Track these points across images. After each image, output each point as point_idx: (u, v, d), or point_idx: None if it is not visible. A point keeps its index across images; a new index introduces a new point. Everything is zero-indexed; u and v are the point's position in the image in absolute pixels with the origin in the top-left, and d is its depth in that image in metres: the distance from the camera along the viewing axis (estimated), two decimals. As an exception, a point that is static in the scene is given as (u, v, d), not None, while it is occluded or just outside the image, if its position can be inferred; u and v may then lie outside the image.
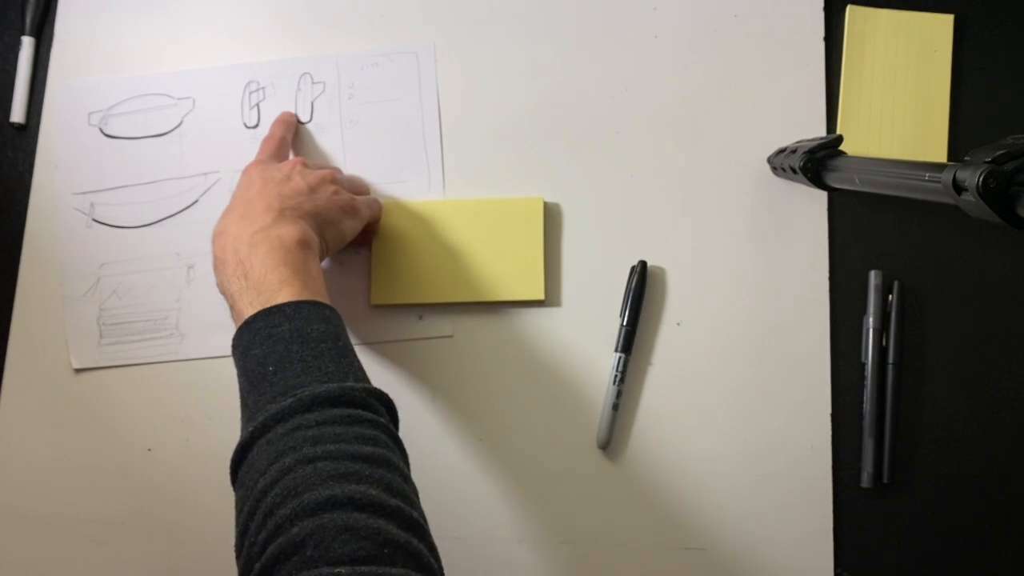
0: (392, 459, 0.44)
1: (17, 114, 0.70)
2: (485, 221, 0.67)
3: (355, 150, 0.69)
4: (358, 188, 0.66)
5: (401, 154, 0.69)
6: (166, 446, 0.66)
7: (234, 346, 0.51)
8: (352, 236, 0.61)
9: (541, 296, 0.66)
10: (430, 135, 0.69)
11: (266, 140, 0.65)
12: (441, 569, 0.42)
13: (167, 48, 0.71)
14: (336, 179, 0.62)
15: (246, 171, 0.60)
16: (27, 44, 0.71)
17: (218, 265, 0.53)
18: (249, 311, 0.50)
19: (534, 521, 0.64)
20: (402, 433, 0.65)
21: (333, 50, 0.71)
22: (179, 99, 0.71)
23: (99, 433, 0.66)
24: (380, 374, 0.66)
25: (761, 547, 0.64)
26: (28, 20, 0.71)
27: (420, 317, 0.67)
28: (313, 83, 0.70)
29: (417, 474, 0.65)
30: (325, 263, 0.67)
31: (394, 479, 0.43)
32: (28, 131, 0.71)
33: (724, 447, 0.65)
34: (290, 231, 0.53)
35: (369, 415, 0.46)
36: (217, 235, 0.55)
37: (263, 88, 0.70)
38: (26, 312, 0.68)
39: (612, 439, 0.65)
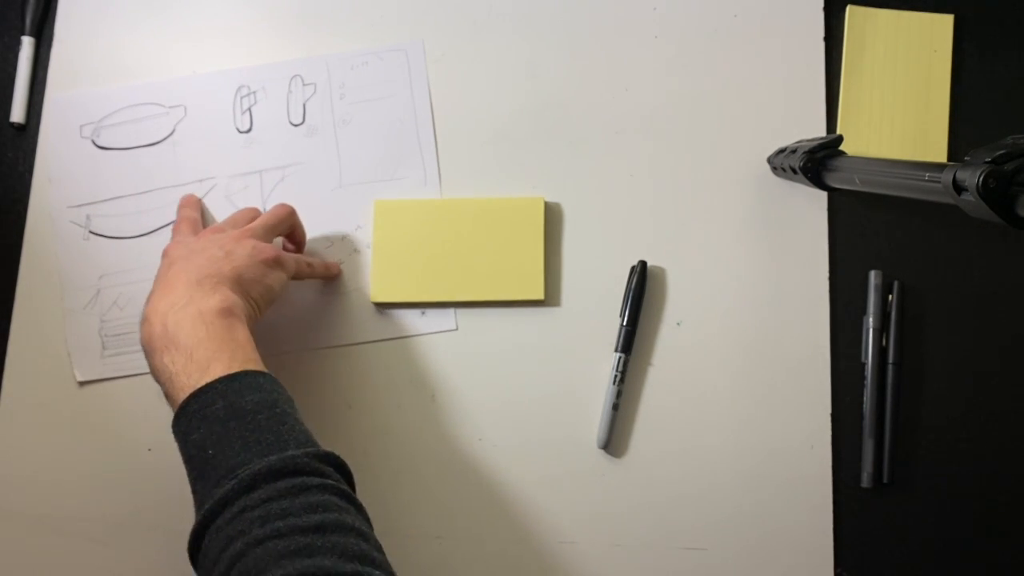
0: (345, 521, 0.43)
1: (17, 114, 0.70)
2: (486, 220, 0.67)
3: (349, 150, 0.69)
4: (280, 225, 0.63)
5: (395, 152, 0.69)
6: (166, 446, 0.66)
7: (174, 433, 0.50)
8: (282, 288, 0.59)
9: (541, 296, 0.66)
10: (423, 132, 0.69)
11: (176, 224, 0.64)
12: None
13: (167, 46, 0.71)
14: (255, 233, 0.60)
15: (164, 253, 0.58)
16: (27, 44, 0.71)
17: (147, 352, 0.52)
18: (182, 395, 0.49)
19: (534, 521, 0.64)
20: (402, 434, 0.66)
21: (323, 51, 0.71)
22: (170, 107, 0.70)
23: (99, 434, 0.66)
24: (380, 373, 0.66)
25: (761, 547, 0.64)
26: (28, 20, 0.71)
27: (423, 313, 0.67)
28: (304, 85, 0.70)
29: (416, 474, 0.65)
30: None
31: (348, 542, 0.42)
32: (28, 131, 0.71)
33: (724, 447, 0.65)
34: (209, 302, 0.52)
35: (316, 480, 0.45)
36: (142, 322, 0.53)
37: (254, 92, 0.70)
38: (25, 325, 0.68)
39: (612, 439, 0.65)
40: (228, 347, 0.51)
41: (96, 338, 0.67)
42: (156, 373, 0.52)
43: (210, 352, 0.50)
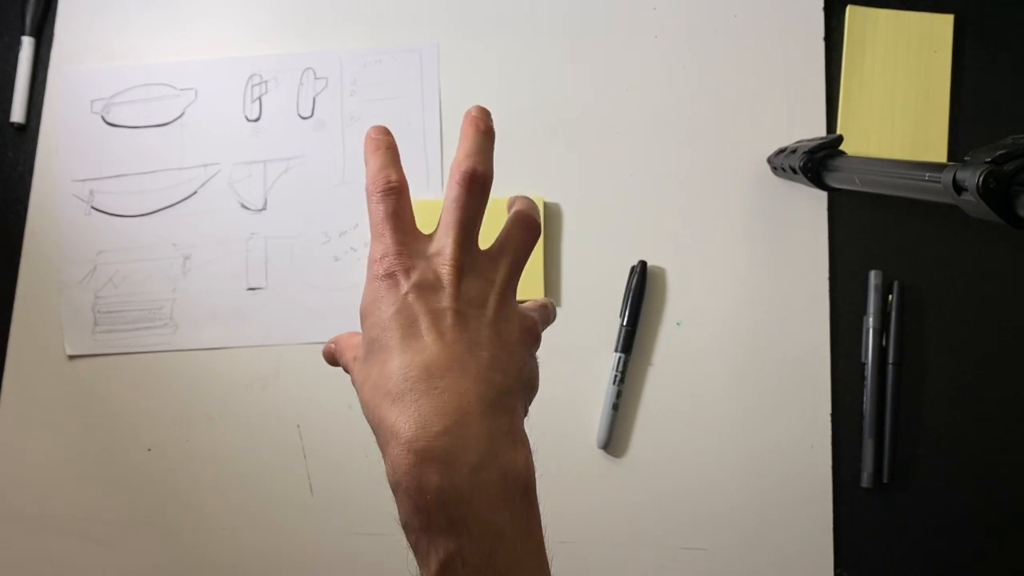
0: None
1: (17, 114, 0.70)
2: (485, 221, 0.67)
3: (355, 147, 0.70)
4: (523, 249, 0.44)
5: (400, 153, 0.69)
6: (166, 446, 0.66)
7: None
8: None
9: (541, 296, 0.66)
10: (430, 134, 0.69)
11: (387, 220, 0.40)
12: None
13: (167, 47, 0.71)
14: (512, 289, 0.42)
15: (387, 274, 0.39)
16: (27, 44, 0.71)
17: (417, 506, 0.35)
18: None
19: (534, 521, 0.64)
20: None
21: (337, 46, 0.71)
22: (182, 90, 0.71)
23: (98, 432, 0.66)
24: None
25: (761, 547, 0.64)
26: (28, 20, 0.71)
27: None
28: (316, 78, 0.70)
29: (417, 474, 0.65)
30: (324, 265, 0.67)
31: None
32: (28, 131, 0.71)
33: (724, 447, 0.65)
34: (514, 458, 0.37)
35: None
36: (393, 436, 0.35)
37: (266, 82, 0.71)
38: (27, 300, 0.68)
39: (612, 439, 0.65)
40: (526, 558, 0.36)
41: (89, 313, 0.68)
42: (414, 548, 0.37)
43: (508, 564, 0.35)
